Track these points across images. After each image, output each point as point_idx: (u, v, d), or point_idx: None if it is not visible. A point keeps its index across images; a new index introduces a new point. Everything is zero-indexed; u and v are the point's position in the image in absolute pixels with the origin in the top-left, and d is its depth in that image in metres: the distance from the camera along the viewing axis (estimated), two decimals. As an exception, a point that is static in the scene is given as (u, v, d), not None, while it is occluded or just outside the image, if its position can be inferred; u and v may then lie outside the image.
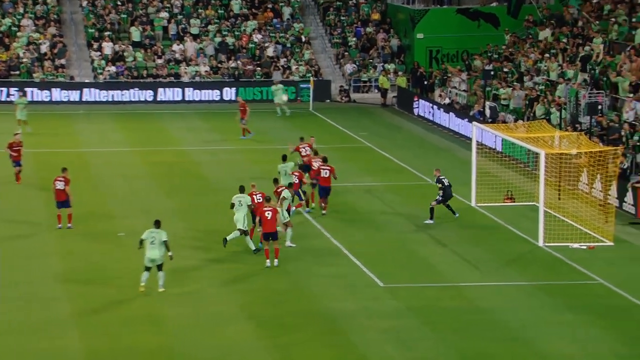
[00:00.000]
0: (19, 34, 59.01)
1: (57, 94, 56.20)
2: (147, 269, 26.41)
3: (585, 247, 31.30)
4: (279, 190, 31.38)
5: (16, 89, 54.79)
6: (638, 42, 45.67)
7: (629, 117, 40.05)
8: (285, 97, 53.89)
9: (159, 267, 26.46)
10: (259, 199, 29.92)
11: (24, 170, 38.77)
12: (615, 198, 35.19)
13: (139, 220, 32.26)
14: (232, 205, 30.10)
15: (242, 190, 30.45)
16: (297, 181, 33.68)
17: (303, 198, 34.47)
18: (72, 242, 31.37)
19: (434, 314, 25.65)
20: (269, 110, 54.17)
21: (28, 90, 55.24)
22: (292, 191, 31.95)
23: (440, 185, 33.72)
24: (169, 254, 26.40)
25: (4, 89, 55.59)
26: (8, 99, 54.54)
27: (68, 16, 62.19)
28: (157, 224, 26.73)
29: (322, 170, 34.42)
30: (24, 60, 57.50)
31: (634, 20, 48.16)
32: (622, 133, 38.50)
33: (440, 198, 33.66)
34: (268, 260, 28.84)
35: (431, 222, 33.65)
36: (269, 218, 28.57)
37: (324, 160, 34.66)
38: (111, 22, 61.07)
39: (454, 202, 34.82)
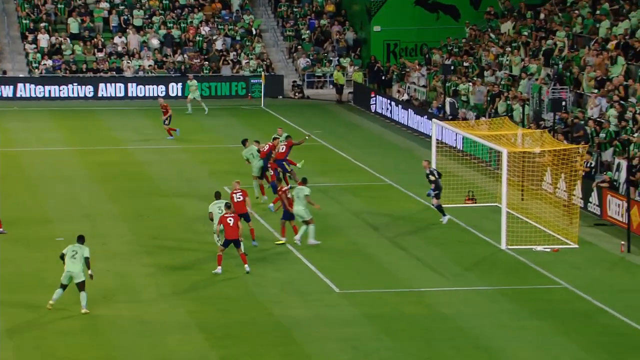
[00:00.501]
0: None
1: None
2: (63, 286, 25.68)
3: (549, 250, 31.53)
4: (283, 189, 31.79)
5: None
6: (602, 35, 46.02)
7: (594, 113, 40.37)
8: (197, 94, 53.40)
9: (80, 287, 25.61)
10: (239, 198, 30.25)
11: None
12: (580, 198, 35.48)
13: (79, 225, 32.13)
14: (210, 215, 29.92)
15: (217, 196, 30.24)
16: (273, 172, 34.99)
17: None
18: (6, 248, 31.06)
19: (393, 321, 25.71)
20: (217, 106, 54.30)
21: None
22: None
23: (432, 177, 33.64)
24: (89, 272, 25.74)
25: None
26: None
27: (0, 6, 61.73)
28: (81, 240, 26.08)
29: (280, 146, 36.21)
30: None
31: (598, 12, 48.46)
32: (587, 130, 38.79)
33: (435, 192, 33.64)
34: (219, 267, 28.87)
35: (447, 217, 33.77)
36: (231, 225, 28.59)
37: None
38: (47, 13, 60.69)
39: (410, 204, 35.07)
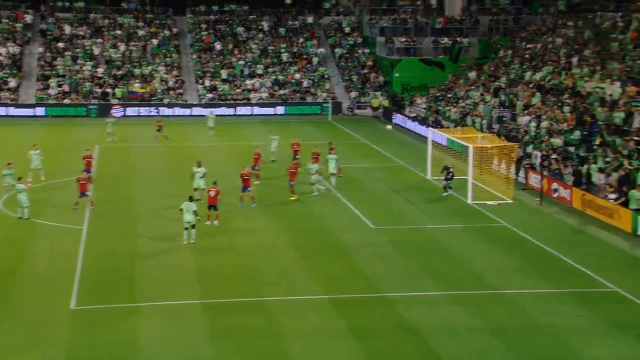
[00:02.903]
0: (155, 75, 59.18)
1: (178, 111, 56.26)
2: (186, 229, 24.86)
3: (495, 204, 31.29)
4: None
5: (154, 108, 55.30)
6: (527, 79, 45.51)
7: (522, 125, 39.94)
8: (212, 123, 47.26)
9: (193, 227, 24.84)
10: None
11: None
12: (514, 174, 35.16)
13: (234, 181, 32.06)
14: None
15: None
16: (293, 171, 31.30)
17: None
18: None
19: (406, 244, 25.66)
20: (304, 120, 54.19)
21: (161, 108, 55.36)
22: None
23: (446, 171, 32.28)
24: (197, 217, 24.97)
25: (147, 108, 55.80)
26: (149, 114, 54.71)
27: (184, 64, 62.18)
28: (190, 199, 25.10)
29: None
30: (159, 90, 57.70)
31: (524, 66, 48.06)
32: (518, 134, 38.46)
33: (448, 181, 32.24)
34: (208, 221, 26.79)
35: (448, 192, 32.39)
36: (212, 195, 26.52)
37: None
38: (209, 68, 61.01)
39: (414, 177, 34.86)
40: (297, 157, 35.27)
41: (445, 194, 32.66)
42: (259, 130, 50.79)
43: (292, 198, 31.06)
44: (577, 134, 34.86)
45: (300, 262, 23.69)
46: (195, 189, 29.85)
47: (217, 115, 50.24)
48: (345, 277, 22.40)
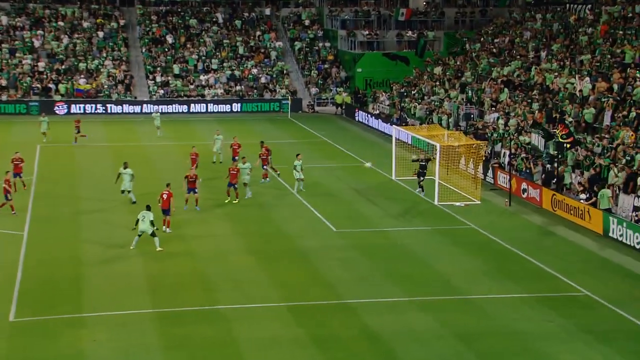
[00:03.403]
0: (102, 70, 58.44)
1: (127, 108, 55.69)
2: (139, 235, 24.45)
3: (463, 205, 31.57)
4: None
5: (101, 105, 54.56)
6: (494, 75, 46.03)
7: (490, 122, 40.41)
8: (158, 122, 46.11)
9: (153, 234, 24.34)
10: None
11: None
12: (481, 173, 35.56)
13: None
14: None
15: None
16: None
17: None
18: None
19: (369, 248, 25.73)
20: (261, 118, 54.11)
21: (108, 105, 54.77)
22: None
23: (419, 164, 32.44)
24: (155, 228, 24.44)
25: (93, 105, 55.06)
26: (96, 112, 54.06)
27: (133, 58, 61.59)
28: (148, 208, 24.68)
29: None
30: (106, 86, 56.98)
31: (491, 60, 48.58)
32: (486, 132, 38.86)
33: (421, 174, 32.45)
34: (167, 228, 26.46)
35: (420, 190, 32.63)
36: (164, 199, 26.20)
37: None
38: (160, 62, 60.50)
39: (379, 177, 35.01)
40: (236, 158, 35.03)
41: (417, 190, 32.67)
42: (214, 128, 50.60)
43: (235, 201, 30.87)
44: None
45: (257, 268, 23.58)
46: (123, 192, 29.85)
47: (161, 113, 49.66)
48: (305, 283, 22.34)
